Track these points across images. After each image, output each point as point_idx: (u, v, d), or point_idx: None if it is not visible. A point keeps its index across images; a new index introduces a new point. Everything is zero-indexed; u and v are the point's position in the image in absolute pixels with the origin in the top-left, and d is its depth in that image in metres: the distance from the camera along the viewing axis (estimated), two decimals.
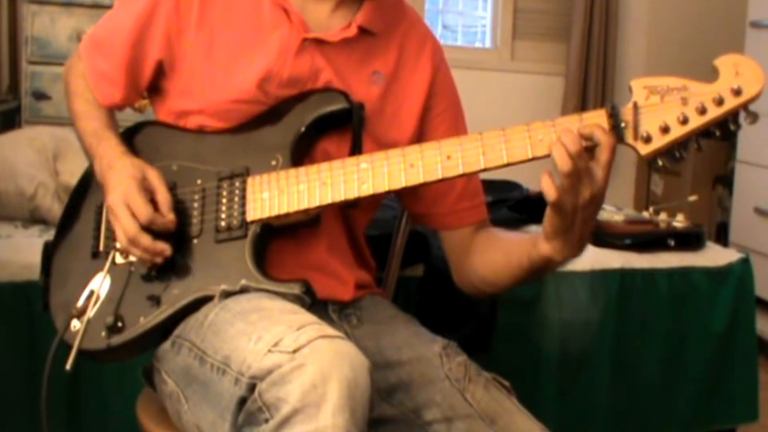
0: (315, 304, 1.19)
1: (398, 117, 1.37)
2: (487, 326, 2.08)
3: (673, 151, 1.13)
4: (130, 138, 1.37)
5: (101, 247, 1.31)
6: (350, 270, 1.38)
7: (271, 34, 1.31)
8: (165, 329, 1.24)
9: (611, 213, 2.40)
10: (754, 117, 1.11)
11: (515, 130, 1.15)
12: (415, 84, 1.38)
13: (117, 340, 1.24)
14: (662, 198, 4.10)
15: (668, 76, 1.12)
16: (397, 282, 1.69)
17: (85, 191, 1.38)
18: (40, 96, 3.14)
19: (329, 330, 1.06)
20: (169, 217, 1.24)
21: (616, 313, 2.20)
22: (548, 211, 1.14)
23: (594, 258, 2.19)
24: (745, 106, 1.11)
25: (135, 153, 1.33)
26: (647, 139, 1.12)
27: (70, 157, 2.27)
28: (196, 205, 1.28)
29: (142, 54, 1.34)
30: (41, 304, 1.34)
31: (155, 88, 1.39)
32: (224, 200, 1.27)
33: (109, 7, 1.44)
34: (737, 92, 1.09)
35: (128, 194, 1.23)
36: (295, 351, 1.01)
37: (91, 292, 1.27)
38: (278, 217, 1.24)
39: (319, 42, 1.31)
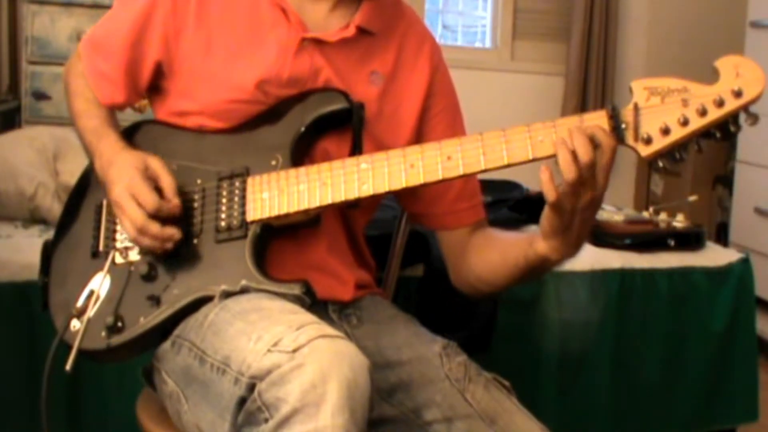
0: (315, 304, 1.19)
1: (396, 117, 1.37)
2: (487, 326, 2.08)
3: (674, 153, 1.13)
4: (129, 137, 1.37)
5: (101, 247, 1.31)
6: (350, 270, 1.38)
7: (269, 34, 1.31)
8: (165, 329, 1.24)
9: (611, 213, 2.41)
10: (754, 118, 1.11)
11: (516, 131, 1.15)
12: (413, 84, 1.38)
13: (117, 340, 1.24)
14: (662, 198, 4.11)
15: (669, 77, 1.12)
16: (397, 282, 1.69)
17: (85, 191, 1.38)
18: (40, 96, 3.14)
19: (329, 330, 1.06)
20: (174, 201, 1.24)
21: (616, 313, 2.20)
22: (546, 211, 1.14)
23: (594, 258, 2.19)
24: (745, 107, 1.11)
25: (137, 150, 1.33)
26: (648, 141, 1.12)
27: (70, 157, 2.27)
28: (196, 205, 1.28)
29: (140, 55, 1.34)
30: (41, 304, 1.34)
31: (155, 89, 1.39)
32: (224, 200, 1.27)
33: (108, 7, 1.43)
34: (738, 94, 1.09)
35: (132, 185, 1.23)
36: (294, 351, 1.01)
37: (91, 292, 1.27)
38: (278, 217, 1.24)
39: (318, 42, 1.31)
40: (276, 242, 1.27)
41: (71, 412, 1.86)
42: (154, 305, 1.24)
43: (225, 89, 1.30)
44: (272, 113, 1.30)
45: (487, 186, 2.36)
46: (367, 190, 1.20)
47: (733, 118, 1.11)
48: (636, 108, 1.12)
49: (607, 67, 4.17)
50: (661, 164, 1.14)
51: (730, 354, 2.30)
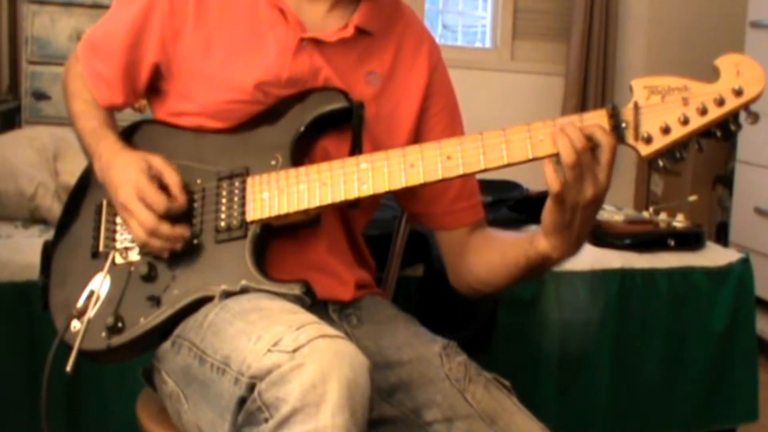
0: (315, 304, 1.19)
1: (394, 117, 1.36)
2: (487, 326, 2.08)
3: (674, 152, 1.13)
4: (128, 138, 1.37)
5: (101, 247, 1.31)
6: (350, 270, 1.38)
7: (268, 35, 1.31)
8: (165, 330, 1.23)
9: (611, 213, 2.41)
10: (755, 117, 1.11)
11: (515, 131, 1.15)
12: (411, 84, 1.38)
13: (117, 340, 1.24)
14: (662, 198, 4.10)
15: (669, 75, 1.12)
16: (397, 282, 1.69)
17: (85, 191, 1.38)
18: (40, 96, 3.14)
19: (329, 330, 1.06)
20: (181, 198, 1.24)
21: (616, 313, 2.20)
22: (548, 206, 1.14)
23: (594, 258, 2.19)
24: (746, 106, 1.10)
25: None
26: (648, 140, 1.12)
27: (70, 157, 2.27)
28: (195, 205, 1.28)
29: (138, 57, 1.34)
30: (41, 304, 1.34)
31: (154, 90, 1.39)
32: (224, 200, 1.27)
33: (108, 7, 1.43)
34: (738, 92, 1.09)
35: (140, 187, 1.23)
36: (294, 351, 1.01)
37: (91, 293, 1.27)
38: (278, 217, 1.23)
39: (317, 42, 1.31)
40: (276, 242, 1.27)
41: (71, 412, 1.86)
42: (154, 306, 1.24)
43: (224, 90, 1.30)
44: (272, 113, 1.30)
45: (487, 186, 2.37)
46: (366, 190, 1.20)
47: (733, 116, 1.11)
48: (636, 107, 1.12)
49: (607, 67, 4.17)
50: (661, 163, 1.14)
51: (730, 354, 2.30)
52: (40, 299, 1.35)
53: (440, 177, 1.18)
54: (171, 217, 1.23)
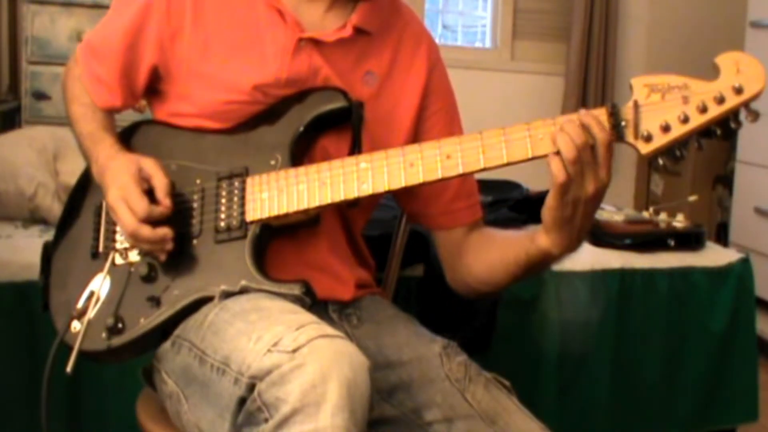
0: (315, 304, 1.19)
1: (393, 117, 1.36)
2: (487, 326, 2.08)
3: (674, 150, 1.13)
4: (127, 138, 1.37)
5: (101, 248, 1.31)
6: (350, 269, 1.38)
7: (266, 36, 1.31)
8: (165, 330, 1.23)
9: (611, 213, 2.40)
10: (755, 115, 1.10)
11: (515, 129, 1.15)
12: (409, 84, 1.38)
13: (117, 341, 1.24)
14: (662, 198, 4.10)
15: (669, 74, 1.12)
16: (397, 282, 1.69)
17: (84, 191, 1.38)
18: (40, 96, 3.14)
19: (329, 329, 1.06)
20: (165, 203, 1.24)
21: (616, 313, 2.20)
22: (550, 202, 1.14)
23: (594, 258, 2.19)
24: (746, 104, 1.10)
25: (133, 152, 1.32)
26: (648, 138, 1.12)
27: (70, 157, 2.27)
28: (195, 205, 1.28)
29: (136, 59, 1.34)
30: (41, 305, 1.34)
31: (152, 91, 1.39)
32: (223, 200, 1.27)
33: (108, 7, 1.44)
34: (738, 90, 1.09)
35: (125, 190, 1.23)
36: (294, 351, 1.01)
37: (91, 293, 1.27)
38: (278, 217, 1.23)
39: (315, 42, 1.31)
40: (276, 242, 1.27)
41: (71, 412, 1.86)
42: (154, 306, 1.24)
43: (222, 90, 1.30)
44: (271, 113, 1.30)
45: (487, 186, 2.37)
46: (366, 189, 1.20)
47: (733, 114, 1.11)
48: (636, 105, 1.12)
49: (607, 67, 4.17)
50: (661, 162, 1.14)
51: (730, 354, 2.30)
52: (40, 299, 1.35)
53: (440, 176, 1.18)
54: (162, 219, 1.23)
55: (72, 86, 1.41)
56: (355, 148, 1.27)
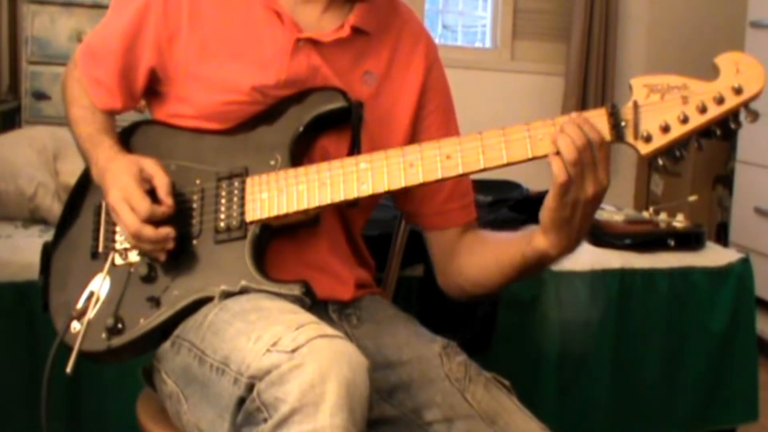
0: (315, 304, 1.19)
1: (391, 116, 1.36)
2: (487, 326, 2.08)
3: (674, 150, 1.13)
4: (126, 139, 1.37)
5: (100, 248, 1.31)
6: (350, 269, 1.38)
7: (264, 37, 1.31)
8: (165, 330, 1.23)
9: (611, 213, 2.40)
10: (754, 115, 1.10)
11: (515, 130, 1.15)
12: (407, 83, 1.38)
13: (117, 341, 1.24)
14: (662, 198, 4.10)
15: (668, 74, 1.12)
16: (397, 282, 1.69)
17: (84, 191, 1.38)
18: (40, 96, 3.14)
19: (328, 329, 1.06)
20: (167, 202, 1.24)
21: (616, 313, 2.20)
22: (549, 202, 1.13)
23: (594, 258, 2.19)
24: (745, 104, 1.10)
25: (132, 153, 1.32)
26: (647, 139, 1.12)
27: (70, 157, 2.27)
28: (195, 205, 1.28)
29: (133, 62, 1.35)
30: (41, 305, 1.34)
31: (151, 93, 1.39)
32: (223, 200, 1.27)
33: (108, 7, 1.44)
34: (738, 90, 1.09)
35: (126, 190, 1.23)
36: (293, 351, 1.01)
37: (91, 294, 1.27)
38: (277, 217, 1.23)
39: (313, 42, 1.31)
40: (275, 242, 1.27)
41: (71, 412, 1.86)
42: (154, 306, 1.24)
43: (221, 91, 1.30)
44: (270, 113, 1.30)
45: (487, 186, 2.37)
46: (366, 189, 1.20)
47: (733, 115, 1.11)
48: (635, 105, 1.12)
49: (607, 67, 4.17)
50: (660, 162, 1.14)
51: (730, 354, 2.30)
52: (40, 299, 1.35)
53: (440, 177, 1.18)
54: (162, 219, 1.23)
55: (71, 89, 1.41)
56: (355, 148, 1.28)
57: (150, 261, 1.26)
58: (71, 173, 2.16)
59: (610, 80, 4.17)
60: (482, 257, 1.32)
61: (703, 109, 1.10)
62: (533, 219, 2.31)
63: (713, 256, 2.32)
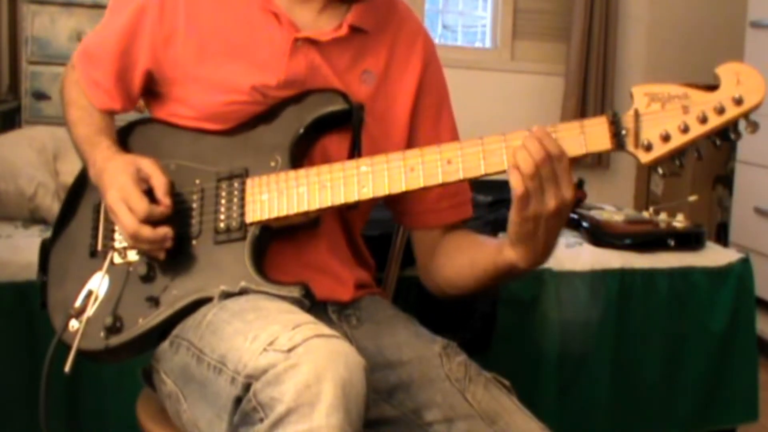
0: (314, 305, 1.19)
1: (390, 114, 1.36)
2: (487, 326, 2.08)
3: (673, 159, 1.13)
4: (125, 138, 1.37)
5: (99, 247, 1.31)
6: (350, 270, 1.38)
7: (262, 38, 1.31)
8: (164, 330, 1.23)
9: (611, 213, 2.40)
10: (754, 126, 1.11)
11: (516, 136, 1.15)
12: (405, 81, 1.38)
13: (115, 340, 1.24)
14: (662, 198, 4.10)
15: (669, 83, 1.13)
16: (397, 282, 1.69)
17: (82, 190, 1.37)
18: (40, 96, 3.14)
19: (325, 329, 1.05)
20: (165, 202, 1.24)
21: (616, 313, 2.20)
22: (512, 216, 1.14)
23: (594, 258, 2.19)
24: (745, 115, 1.11)
25: (131, 153, 1.32)
26: (648, 147, 1.12)
27: (70, 157, 2.27)
28: (194, 205, 1.28)
29: (130, 64, 1.35)
30: (39, 303, 1.34)
31: (150, 93, 1.39)
32: (223, 201, 1.26)
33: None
34: (738, 101, 1.10)
35: (124, 190, 1.23)
36: (289, 350, 1.01)
37: (90, 292, 1.27)
38: (278, 219, 1.23)
39: (311, 42, 1.31)
40: (275, 243, 1.27)
41: (71, 412, 1.86)
42: (153, 306, 1.24)
43: (220, 92, 1.30)
44: (271, 114, 1.30)
45: (487, 186, 2.37)
46: (366, 193, 1.20)
47: (733, 125, 1.11)
48: (637, 114, 1.12)
49: (607, 67, 4.17)
50: (660, 170, 1.15)
51: (730, 354, 2.30)
52: (39, 299, 1.34)
53: (440, 181, 1.18)
54: (161, 219, 1.23)
55: (69, 90, 1.41)
56: (355, 150, 1.28)
57: (149, 260, 1.26)
58: (71, 173, 2.15)
59: (610, 80, 4.17)
60: (459, 261, 1.33)
61: (703, 119, 1.10)
62: None
63: (713, 256, 2.32)
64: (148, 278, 1.25)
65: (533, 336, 2.15)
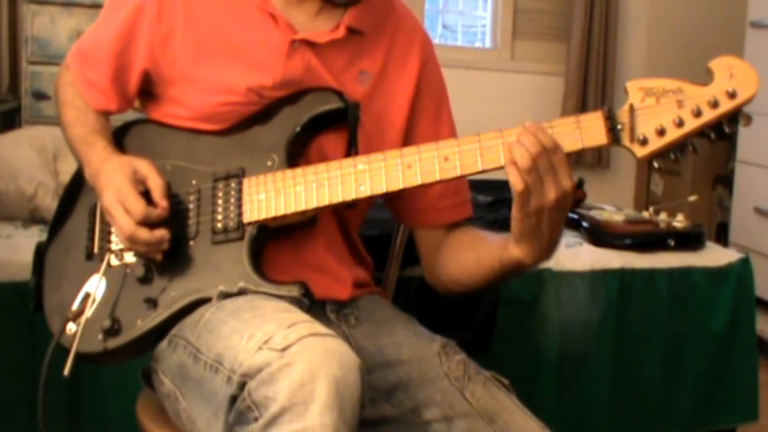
0: (313, 305, 1.19)
1: (386, 115, 1.36)
2: (487, 326, 2.08)
3: (669, 154, 1.14)
4: (120, 139, 1.36)
5: (95, 249, 1.30)
6: (348, 268, 1.38)
7: (259, 39, 1.31)
8: (162, 332, 1.23)
9: (611, 213, 2.40)
10: (748, 119, 1.11)
11: (512, 132, 1.15)
12: (403, 81, 1.38)
13: (114, 343, 1.24)
14: (662, 198, 4.11)
15: (664, 78, 1.13)
16: (397, 282, 1.69)
17: (78, 191, 1.37)
18: (40, 96, 3.14)
19: (320, 328, 1.05)
20: (162, 204, 1.24)
21: (616, 313, 2.20)
22: (514, 213, 1.15)
23: (594, 258, 2.19)
24: (739, 108, 1.11)
25: (127, 153, 1.32)
26: (643, 142, 1.13)
27: (70, 157, 2.23)
28: (191, 206, 1.28)
29: (127, 64, 1.34)
30: (33, 305, 1.33)
31: (147, 94, 1.39)
32: (220, 201, 1.26)
33: None
34: (732, 95, 1.10)
35: (120, 192, 1.23)
36: (284, 349, 1.00)
37: (87, 295, 1.26)
38: (275, 218, 1.23)
39: (308, 43, 1.31)
40: (272, 242, 1.27)
41: (71, 413, 1.86)
42: (151, 308, 1.23)
43: (217, 92, 1.30)
44: (267, 113, 1.30)
45: (487, 186, 2.37)
46: (364, 191, 1.20)
47: (727, 119, 1.12)
48: (632, 109, 1.13)
49: (607, 67, 4.17)
50: (656, 165, 1.15)
51: (730, 354, 2.30)
52: (33, 300, 1.34)
53: (438, 178, 1.18)
54: (158, 221, 1.23)
55: (64, 91, 1.41)
56: (352, 149, 1.28)
57: (146, 262, 1.25)
58: (71, 173, 2.15)
59: (610, 80, 4.17)
60: (465, 259, 1.33)
61: (698, 113, 1.11)
62: None
63: (713, 256, 2.32)
64: (145, 280, 1.25)
65: (533, 336, 2.15)
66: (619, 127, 1.13)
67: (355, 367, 1.02)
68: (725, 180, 3.93)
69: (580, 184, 2.63)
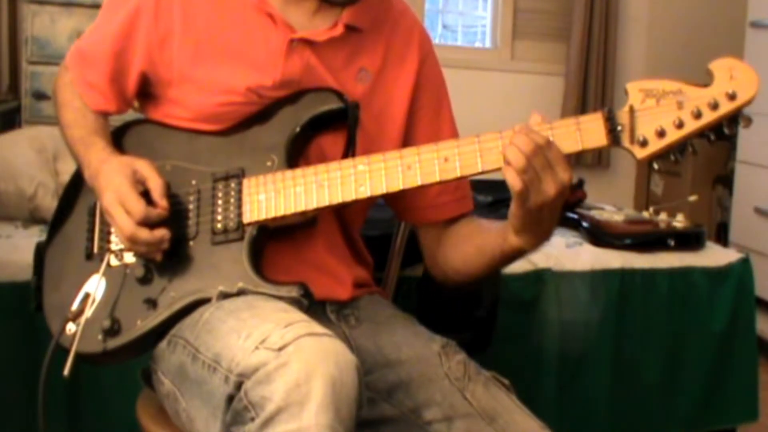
0: (313, 305, 1.19)
1: (386, 112, 1.36)
2: (487, 326, 2.08)
3: (669, 155, 1.14)
4: (119, 139, 1.36)
5: (95, 249, 1.30)
6: (348, 268, 1.38)
7: (257, 39, 1.31)
8: (162, 332, 1.23)
9: (611, 213, 2.41)
10: (748, 121, 1.11)
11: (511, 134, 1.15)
12: (402, 78, 1.38)
13: (113, 343, 1.23)
14: (662, 198, 4.10)
15: (664, 78, 1.13)
16: (397, 282, 1.69)
17: (77, 191, 1.37)
18: (40, 96, 3.14)
19: (317, 328, 1.05)
20: (162, 204, 1.24)
21: (616, 313, 2.20)
22: (513, 210, 1.16)
23: (594, 258, 2.19)
24: (739, 110, 1.11)
25: (126, 154, 1.32)
26: (643, 143, 1.13)
27: (70, 157, 2.26)
28: (191, 206, 1.27)
29: (125, 65, 1.34)
30: (33, 305, 1.33)
31: (146, 95, 1.38)
32: (220, 201, 1.26)
33: None
34: (732, 96, 1.10)
35: (120, 192, 1.22)
36: (280, 349, 1.00)
37: (86, 295, 1.26)
38: (275, 219, 1.23)
39: (307, 42, 1.31)
40: (272, 243, 1.27)
41: (71, 413, 1.86)
42: (150, 308, 1.23)
43: (216, 93, 1.30)
44: (266, 114, 1.30)
45: (487, 186, 2.37)
46: (364, 192, 1.20)
47: (727, 120, 1.12)
48: (632, 110, 1.13)
49: (607, 67, 4.17)
50: (656, 166, 1.15)
51: (730, 354, 2.31)
52: (33, 300, 1.34)
53: (438, 179, 1.18)
54: (157, 221, 1.23)
55: (62, 92, 1.41)
56: (351, 149, 1.28)
57: (146, 262, 1.25)
58: (71, 173, 2.15)
59: (610, 80, 4.17)
60: (466, 249, 1.34)
61: (698, 115, 1.11)
62: None
63: (713, 256, 2.32)
64: (145, 280, 1.25)
65: (533, 336, 2.15)
66: (619, 128, 1.13)
67: (351, 366, 1.02)
68: (725, 180, 3.93)
69: (580, 184, 2.63)
